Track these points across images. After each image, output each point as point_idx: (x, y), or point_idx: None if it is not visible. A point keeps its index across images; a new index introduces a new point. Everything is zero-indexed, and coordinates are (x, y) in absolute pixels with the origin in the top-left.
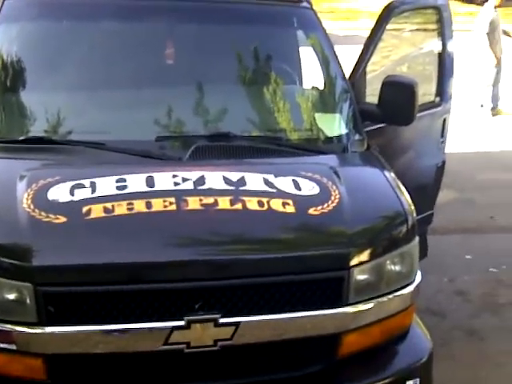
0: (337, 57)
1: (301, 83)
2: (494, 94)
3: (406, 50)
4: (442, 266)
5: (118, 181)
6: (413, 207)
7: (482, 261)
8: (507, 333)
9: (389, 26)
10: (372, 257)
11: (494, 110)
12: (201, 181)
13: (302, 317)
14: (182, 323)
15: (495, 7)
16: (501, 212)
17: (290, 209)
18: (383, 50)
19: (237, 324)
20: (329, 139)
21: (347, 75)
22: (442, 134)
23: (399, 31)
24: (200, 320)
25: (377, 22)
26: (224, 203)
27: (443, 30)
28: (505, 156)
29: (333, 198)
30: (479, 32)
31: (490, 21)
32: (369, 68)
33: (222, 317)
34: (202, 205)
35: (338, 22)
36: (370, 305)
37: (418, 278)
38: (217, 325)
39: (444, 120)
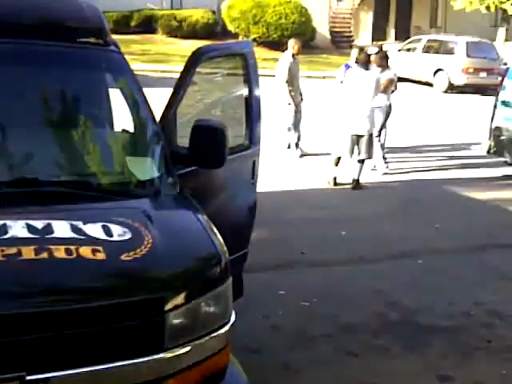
0: (146, 99)
1: (111, 126)
2: (298, 135)
3: (218, 94)
4: (258, 302)
5: None
6: (225, 248)
7: (294, 295)
8: (321, 365)
9: (202, 71)
10: (187, 300)
11: (301, 151)
12: (2, 230)
13: (118, 366)
14: None
15: (293, 55)
16: (310, 248)
17: (101, 255)
18: (197, 94)
19: (46, 380)
20: (140, 183)
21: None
22: (253, 175)
23: (212, 76)
24: (4, 379)
25: (185, 67)
26: (28, 253)
27: (249, 75)
28: (311, 194)
29: (146, 242)
30: (279, 79)
31: (287, 69)
32: (183, 111)
33: (29, 374)
34: (3, 255)
35: (151, 64)
36: (186, 348)
37: (233, 317)
38: (23, 383)
39: (254, 162)
